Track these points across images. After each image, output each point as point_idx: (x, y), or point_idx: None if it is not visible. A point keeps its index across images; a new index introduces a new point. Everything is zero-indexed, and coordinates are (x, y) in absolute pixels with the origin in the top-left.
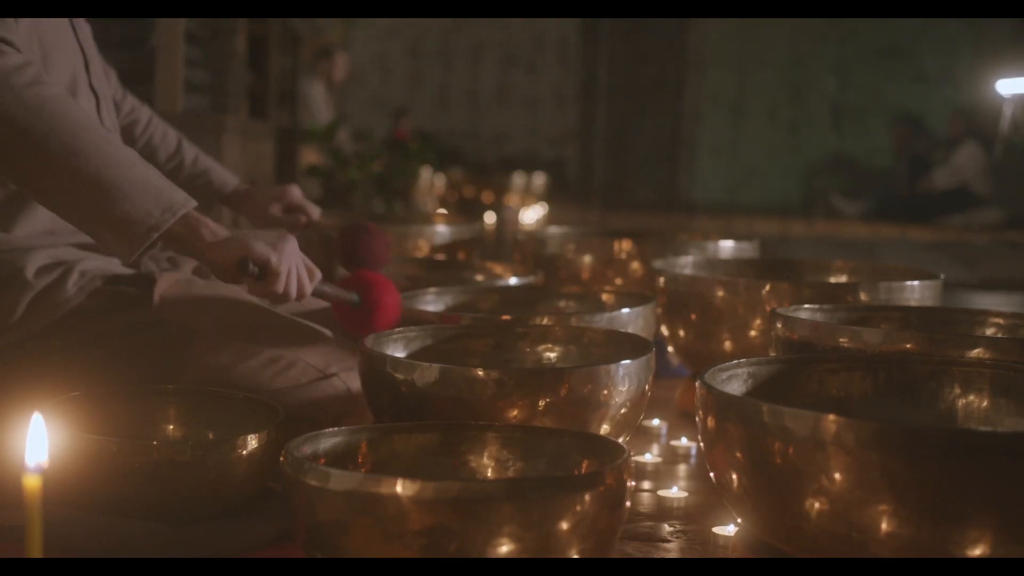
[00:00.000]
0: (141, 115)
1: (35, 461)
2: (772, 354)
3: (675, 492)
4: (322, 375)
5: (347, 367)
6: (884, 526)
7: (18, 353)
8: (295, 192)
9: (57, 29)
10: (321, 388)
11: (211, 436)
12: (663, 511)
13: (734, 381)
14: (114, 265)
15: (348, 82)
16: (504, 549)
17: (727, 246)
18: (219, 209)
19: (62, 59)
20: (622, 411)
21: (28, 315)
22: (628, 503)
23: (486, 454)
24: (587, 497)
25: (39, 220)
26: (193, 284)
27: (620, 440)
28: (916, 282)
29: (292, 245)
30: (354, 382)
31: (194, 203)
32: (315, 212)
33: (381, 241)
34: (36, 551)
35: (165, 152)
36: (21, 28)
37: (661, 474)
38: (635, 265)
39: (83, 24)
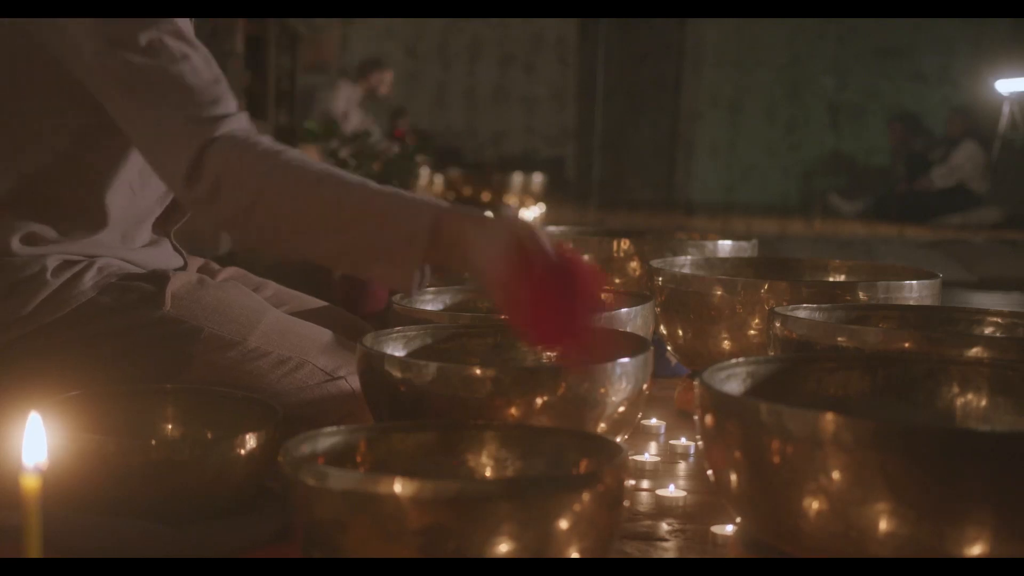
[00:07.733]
0: None
1: (33, 461)
2: (771, 353)
3: (673, 491)
4: (329, 377)
5: (355, 370)
6: (882, 525)
7: (27, 347)
8: None
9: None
10: (327, 390)
11: (210, 435)
12: (661, 510)
13: (733, 380)
14: (129, 265)
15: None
16: (502, 548)
17: (725, 245)
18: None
19: None
20: (620, 410)
21: (41, 308)
22: (626, 502)
23: (484, 453)
24: (585, 496)
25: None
26: (204, 283)
27: (618, 439)
28: (914, 281)
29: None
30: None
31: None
32: None
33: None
34: (34, 551)
35: None
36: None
37: (659, 473)
38: (633, 264)
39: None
